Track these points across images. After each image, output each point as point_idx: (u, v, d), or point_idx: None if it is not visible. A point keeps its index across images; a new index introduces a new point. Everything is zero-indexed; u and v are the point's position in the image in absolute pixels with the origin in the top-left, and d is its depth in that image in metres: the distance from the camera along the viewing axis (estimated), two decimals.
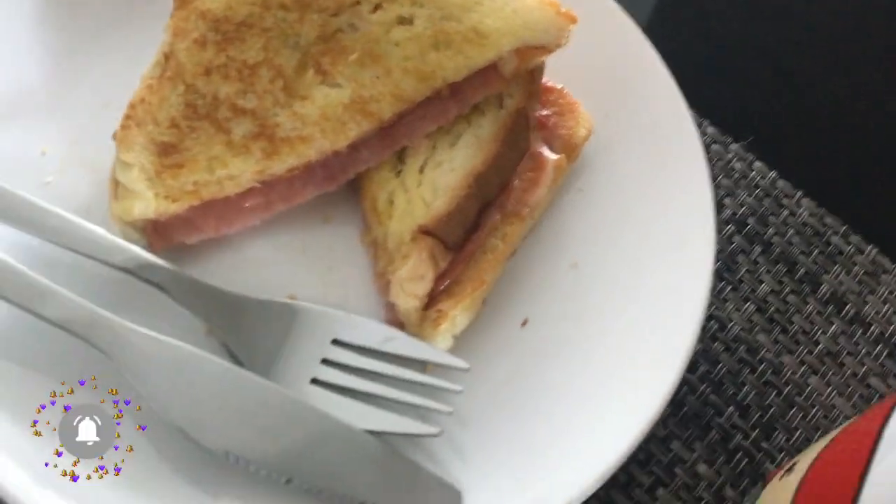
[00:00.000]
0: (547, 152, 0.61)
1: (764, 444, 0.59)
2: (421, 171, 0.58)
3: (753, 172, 0.69)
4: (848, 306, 0.64)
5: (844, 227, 0.67)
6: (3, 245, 0.53)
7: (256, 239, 0.60)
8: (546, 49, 0.58)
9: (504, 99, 0.60)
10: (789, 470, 0.50)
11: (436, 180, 0.57)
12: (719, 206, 0.67)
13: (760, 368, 0.61)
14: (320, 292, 0.59)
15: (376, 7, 0.58)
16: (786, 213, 0.67)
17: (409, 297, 0.55)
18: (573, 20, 0.56)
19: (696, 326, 0.55)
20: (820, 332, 0.63)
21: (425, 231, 0.55)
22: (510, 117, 0.59)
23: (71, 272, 0.55)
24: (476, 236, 0.58)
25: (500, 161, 0.58)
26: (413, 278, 0.55)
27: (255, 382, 0.52)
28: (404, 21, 0.57)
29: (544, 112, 0.63)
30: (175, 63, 0.58)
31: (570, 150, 0.62)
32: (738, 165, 0.69)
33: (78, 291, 0.52)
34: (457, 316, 0.56)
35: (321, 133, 0.57)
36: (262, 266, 0.59)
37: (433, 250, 0.55)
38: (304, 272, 0.60)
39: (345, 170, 0.59)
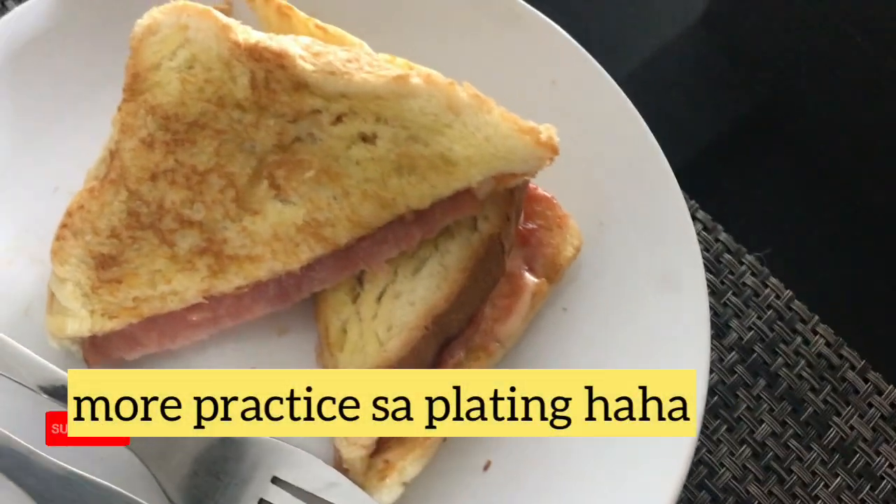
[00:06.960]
0: (527, 275, 0.56)
1: None
2: (378, 300, 0.53)
3: (767, 290, 0.62)
4: (857, 456, 0.58)
5: (863, 363, 0.60)
6: None
7: (204, 350, 0.56)
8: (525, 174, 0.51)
9: (478, 221, 0.53)
10: None
11: (392, 314, 0.52)
12: (724, 329, 0.61)
13: None
14: None
15: (337, 119, 0.52)
16: (798, 340, 0.60)
17: (352, 446, 0.51)
18: (554, 151, 0.49)
19: (680, 474, 0.50)
20: (821, 485, 0.57)
21: None
22: (482, 243, 0.53)
23: None
24: None
25: (467, 294, 0.52)
26: None
27: None
28: (367, 138, 0.51)
29: (529, 226, 0.57)
30: (119, 164, 0.53)
31: (554, 271, 0.56)
32: (750, 280, 0.62)
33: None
34: (406, 467, 0.51)
35: (271, 254, 0.52)
36: None
37: None
38: None
39: (299, 289, 0.54)
